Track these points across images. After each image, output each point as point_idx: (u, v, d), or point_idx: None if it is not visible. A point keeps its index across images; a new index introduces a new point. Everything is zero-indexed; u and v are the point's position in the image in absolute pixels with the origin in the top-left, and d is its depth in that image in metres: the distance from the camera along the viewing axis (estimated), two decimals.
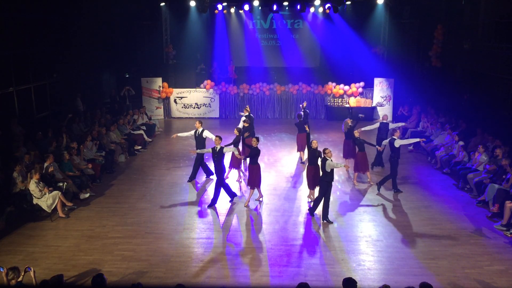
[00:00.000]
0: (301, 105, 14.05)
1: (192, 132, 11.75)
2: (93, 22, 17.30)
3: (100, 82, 19.65)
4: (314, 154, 9.92)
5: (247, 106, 14.21)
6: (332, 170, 9.32)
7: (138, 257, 8.05)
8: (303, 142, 13.15)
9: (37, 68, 14.30)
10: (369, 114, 18.76)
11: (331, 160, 9.29)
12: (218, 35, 20.38)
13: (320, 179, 9.55)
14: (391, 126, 12.63)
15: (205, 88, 19.27)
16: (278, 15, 19.69)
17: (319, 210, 9.66)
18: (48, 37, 14.71)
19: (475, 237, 8.78)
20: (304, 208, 10.12)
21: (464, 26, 16.19)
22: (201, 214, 9.89)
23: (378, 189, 11.11)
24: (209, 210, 10.08)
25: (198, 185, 11.68)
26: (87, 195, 10.74)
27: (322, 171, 9.45)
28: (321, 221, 9.46)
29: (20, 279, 6.29)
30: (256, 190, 10.45)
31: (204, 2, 17.82)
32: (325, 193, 9.39)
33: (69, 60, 15.97)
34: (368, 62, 19.36)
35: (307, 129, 11.79)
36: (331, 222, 9.41)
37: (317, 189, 9.97)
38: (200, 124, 11.69)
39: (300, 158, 13.46)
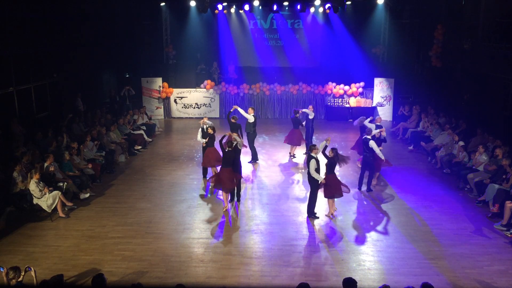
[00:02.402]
0: (309, 109, 13.94)
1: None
2: (93, 22, 17.30)
3: (100, 82, 19.65)
4: (330, 162, 9.60)
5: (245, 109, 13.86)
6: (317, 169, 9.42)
7: (138, 257, 8.05)
8: (295, 137, 13.45)
9: (37, 68, 14.28)
10: (370, 114, 18.78)
11: (316, 163, 9.31)
12: (218, 35, 20.37)
13: (307, 176, 9.59)
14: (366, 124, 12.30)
15: (205, 88, 19.27)
16: (278, 15, 19.69)
17: (318, 209, 9.68)
18: (48, 37, 14.69)
19: (475, 237, 8.79)
20: (304, 208, 10.10)
21: (464, 26, 16.18)
22: (201, 214, 9.89)
23: (367, 191, 11.15)
24: (209, 210, 10.08)
25: (200, 185, 11.67)
26: (87, 195, 10.74)
27: (307, 167, 9.49)
28: (321, 218, 9.48)
29: (20, 279, 6.29)
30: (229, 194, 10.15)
31: (204, 2, 17.81)
32: (317, 189, 9.47)
33: (69, 60, 15.98)
34: (368, 62, 19.36)
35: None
36: (317, 218, 9.58)
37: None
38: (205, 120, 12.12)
39: (290, 154, 13.92)
